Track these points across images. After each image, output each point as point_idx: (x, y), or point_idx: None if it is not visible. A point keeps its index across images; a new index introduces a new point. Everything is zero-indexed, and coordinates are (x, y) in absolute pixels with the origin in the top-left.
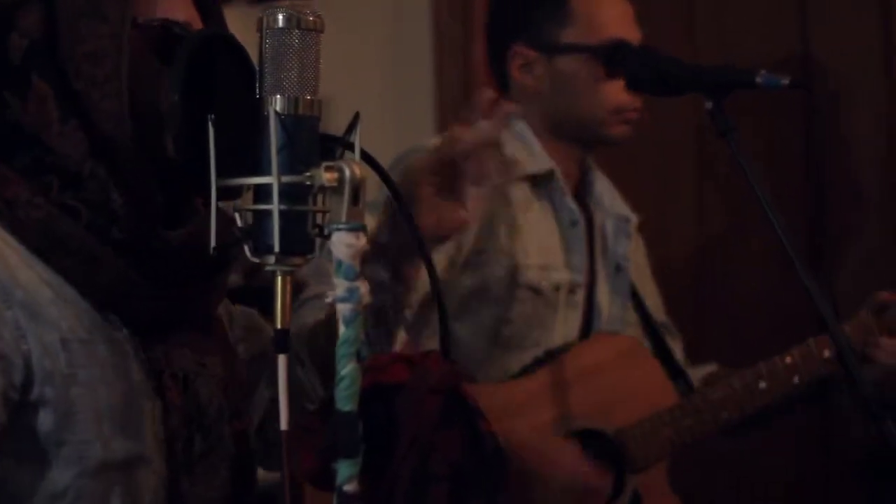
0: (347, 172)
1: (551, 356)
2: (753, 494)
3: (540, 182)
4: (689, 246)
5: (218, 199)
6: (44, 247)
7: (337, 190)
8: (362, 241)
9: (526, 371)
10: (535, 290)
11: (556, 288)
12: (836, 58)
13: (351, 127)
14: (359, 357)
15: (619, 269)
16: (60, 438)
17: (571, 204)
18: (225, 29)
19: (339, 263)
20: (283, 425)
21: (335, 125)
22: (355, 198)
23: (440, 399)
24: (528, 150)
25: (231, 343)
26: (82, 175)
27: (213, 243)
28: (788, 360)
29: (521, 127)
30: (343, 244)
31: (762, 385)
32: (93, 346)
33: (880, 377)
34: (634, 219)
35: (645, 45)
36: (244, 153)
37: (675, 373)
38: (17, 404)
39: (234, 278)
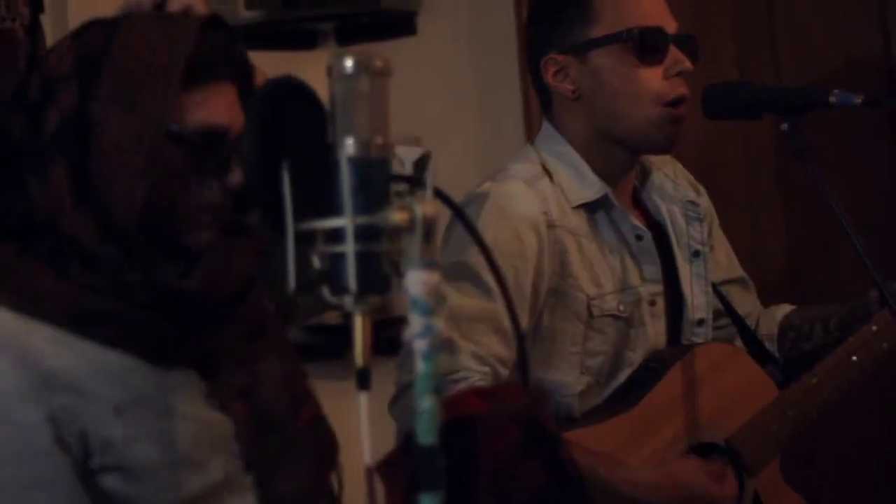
0: (418, 212)
1: (648, 376)
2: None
3: (598, 207)
4: (778, 261)
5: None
6: (79, 324)
7: (410, 229)
8: (436, 277)
9: (626, 394)
10: (615, 317)
11: (636, 306)
12: None
13: (423, 165)
14: (437, 392)
15: (696, 254)
16: (131, 494)
17: (634, 220)
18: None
19: (415, 301)
20: (367, 461)
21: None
22: (427, 236)
23: (520, 428)
24: (578, 176)
25: (282, 333)
26: (99, 257)
27: (291, 286)
28: (874, 328)
29: (569, 151)
30: (418, 281)
31: (854, 359)
32: (147, 403)
33: None
34: (703, 201)
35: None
36: (318, 197)
37: (765, 358)
38: (84, 475)
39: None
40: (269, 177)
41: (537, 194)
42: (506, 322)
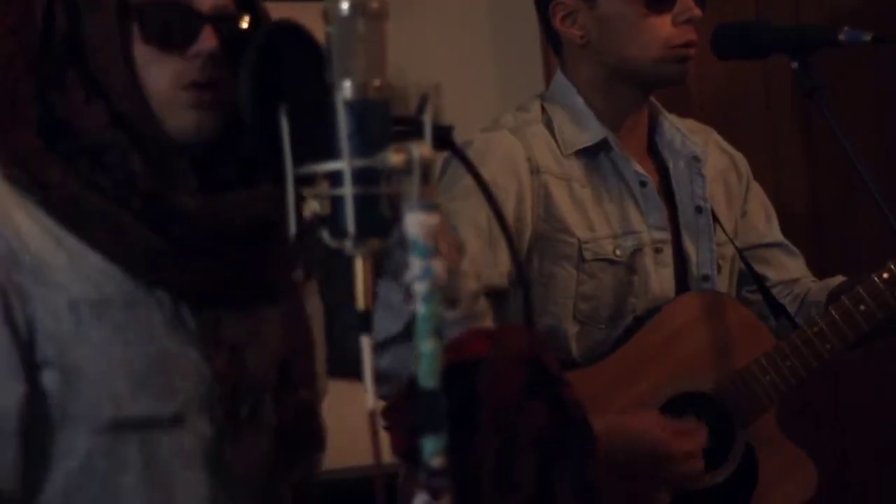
0: (416, 153)
1: (640, 321)
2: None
3: (600, 152)
4: (802, 205)
5: (295, 186)
6: (74, 220)
7: (407, 171)
8: (435, 219)
9: (618, 344)
10: (609, 261)
11: (636, 252)
12: None
13: (421, 108)
14: (438, 334)
15: (698, 210)
16: (67, 397)
17: (635, 166)
18: (259, 5)
19: (415, 242)
20: (370, 406)
21: (445, 112)
22: (426, 177)
23: (523, 370)
24: (578, 122)
25: (304, 313)
26: (104, 143)
27: (292, 231)
28: (886, 275)
29: (574, 99)
30: (417, 223)
31: (862, 307)
32: (108, 308)
33: None
34: (704, 156)
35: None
36: (318, 140)
37: (776, 310)
38: (27, 365)
39: None
40: (268, 120)
41: (522, 141)
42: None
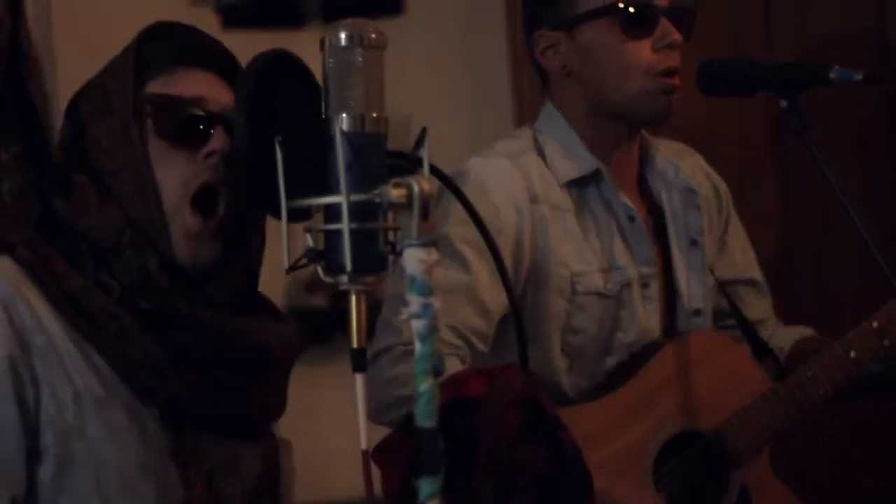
0: (416, 188)
1: (636, 358)
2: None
3: (589, 183)
4: (774, 243)
5: (289, 220)
6: (77, 318)
7: (407, 206)
8: (434, 256)
9: (616, 376)
10: (599, 295)
11: (624, 287)
12: None
13: (419, 142)
14: (436, 373)
15: (693, 243)
16: (59, 488)
17: (624, 199)
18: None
19: (413, 279)
20: (363, 445)
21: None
22: (425, 213)
23: (520, 411)
24: (569, 152)
25: (277, 464)
26: (122, 244)
27: (286, 264)
28: (875, 324)
29: (564, 128)
30: (416, 260)
31: (853, 354)
32: (108, 407)
33: None
34: (701, 190)
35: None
36: (313, 173)
37: (761, 348)
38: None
39: (318, 301)
40: (262, 152)
41: (520, 169)
42: (482, 295)
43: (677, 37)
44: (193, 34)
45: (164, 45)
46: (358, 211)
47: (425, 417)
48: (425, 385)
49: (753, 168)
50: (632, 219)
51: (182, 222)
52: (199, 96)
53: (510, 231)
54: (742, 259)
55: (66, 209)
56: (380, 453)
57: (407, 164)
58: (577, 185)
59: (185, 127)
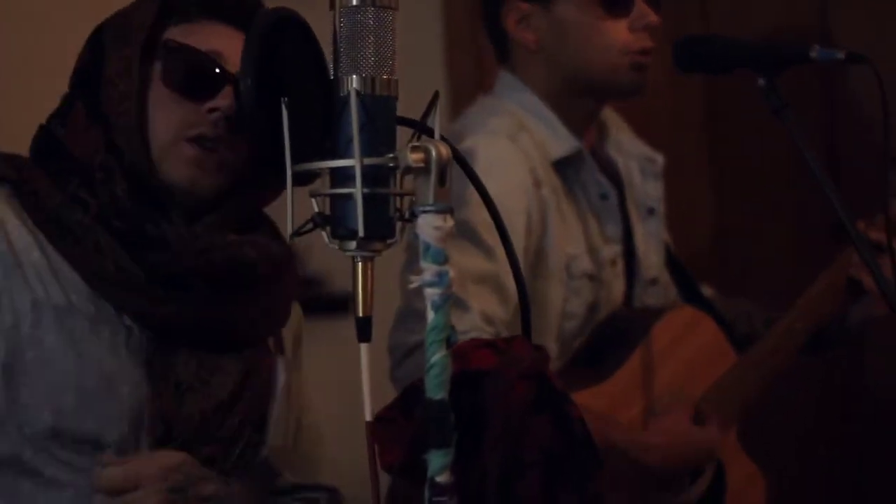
0: (434, 153)
1: (624, 339)
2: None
3: (569, 163)
4: (706, 233)
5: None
6: (56, 233)
7: (422, 171)
8: (450, 223)
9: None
10: (589, 277)
11: (602, 266)
12: (855, 33)
13: (429, 109)
14: (448, 343)
15: (651, 212)
16: (9, 399)
17: (600, 178)
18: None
19: (427, 247)
20: (367, 416)
21: None
22: (442, 179)
23: (530, 384)
24: (551, 130)
25: (267, 378)
26: (94, 165)
27: (290, 230)
28: (818, 288)
29: (537, 103)
30: (431, 226)
31: (798, 326)
32: (70, 316)
33: None
34: (660, 158)
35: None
36: (317, 136)
37: (721, 322)
38: None
39: None
40: (268, 113)
41: (522, 151)
42: (505, 282)
43: (654, 19)
44: None
45: None
46: (370, 175)
47: (437, 389)
48: (437, 356)
49: (686, 155)
50: (604, 196)
51: (179, 154)
52: (215, 51)
53: (522, 216)
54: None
55: (62, 132)
56: (379, 426)
57: (418, 130)
58: (561, 165)
59: (191, 79)
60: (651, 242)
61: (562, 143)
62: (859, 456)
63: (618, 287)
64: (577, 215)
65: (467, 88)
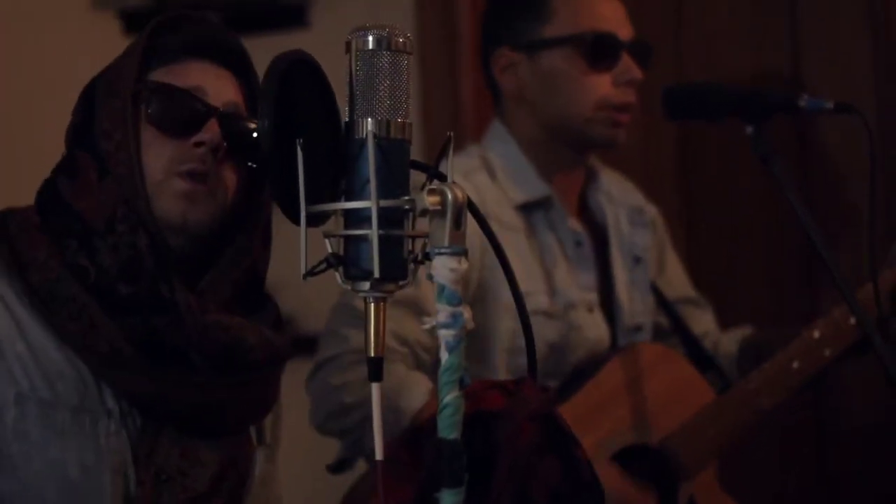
0: (450, 196)
1: (581, 373)
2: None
3: (537, 208)
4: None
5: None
6: (50, 307)
7: (437, 214)
8: (465, 265)
9: (562, 391)
10: (546, 315)
11: (569, 308)
12: (826, 79)
13: (442, 151)
14: (461, 384)
15: (637, 261)
16: None
17: (574, 225)
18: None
19: (443, 288)
20: (378, 455)
21: None
22: (458, 221)
23: (538, 426)
24: (521, 176)
25: (245, 468)
26: (116, 219)
27: (303, 269)
28: (816, 333)
29: (514, 150)
30: (446, 268)
31: (795, 365)
32: (54, 409)
33: None
34: (650, 210)
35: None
36: (329, 177)
37: (705, 361)
38: None
39: None
40: (285, 155)
41: (473, 187)
42: (425, 306)
43: (638, 74)
44: (206, 26)
45: (176, 35)
46: (385, 217)
47: (450, 429)
48: (450, 397)
49: (658, 190)
50: (578, 244)
51: (170, 188)
52: (196, 86)
53: (473, 247)
54: (678, 280)
55: (68, 187)
56: (387, 466)
57: (431, 175)
58: (526, 209)
59: (174, 115)
60: (636, 290)
61: (530, 188)
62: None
63: (596, 332)
64: (540, 256)
65: (443, 128)
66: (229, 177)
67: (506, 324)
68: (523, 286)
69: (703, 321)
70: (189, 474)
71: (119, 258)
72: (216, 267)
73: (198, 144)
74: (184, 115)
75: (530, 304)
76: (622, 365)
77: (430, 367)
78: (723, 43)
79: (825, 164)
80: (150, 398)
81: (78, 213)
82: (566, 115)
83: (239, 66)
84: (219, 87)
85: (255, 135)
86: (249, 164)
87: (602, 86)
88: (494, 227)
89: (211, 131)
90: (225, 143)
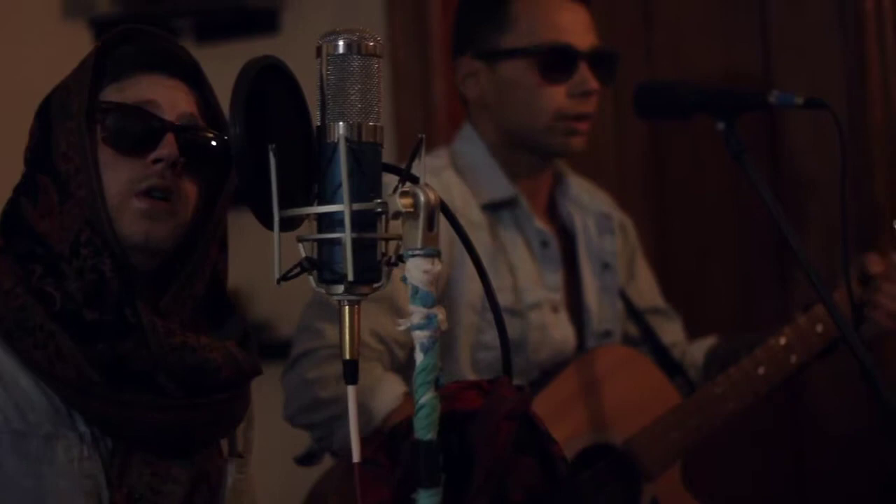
0: (422, 197)
1: (547, 375)
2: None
3: (503, 207)
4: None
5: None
6: (17, 336)
7: (410, 216)
8: (438, 266)
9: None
10: (511, 312)
11: (535, 307)
12: (797, 77)
13: (413, 154)
14: (437, 385)
15: (606, 266)
16: None
17: (539, 225)
18: (213, 96)
19: (416, 290)
20: (356, 458)
21: None
22: (430, 223)
23: (514, 425)
24: (488, 176)
25: (217, 483)
26: (80, 243)
27: (277, 274)
28: (783, 340)
29: (481, 151)
30: (419, 270)
31: (761, 371)
32: (26, 441)
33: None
34: (616, 215)
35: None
36: (301, 182)
37: (673, 369)
38: None
39: None
40: (256, 160)
41: (441, 185)
42: (401, 305)
43: (593, 85)
44: (156, 39)
45: (127, 49)
46: (357, 220)
47: (426, 430)
48: (426, 397)
49: (630, 198)
50: (545, 244)
51: (130, 209)
52: (150, 101)
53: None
54: (648, 290)
55: (31, 210)
56: (364, 467)
57: (403, 177)
58: (493, 208)
59: (130, 134)
60: (605, 296)
61: (496, 188)
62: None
63: (561, 333)
64: (503, 255)
65: (414, 132)
66: (189, 190)
67: (469, 319)
68: (510, 281)
69: (671, 331)
70: (161, 491)
71: (84, 283)
72: (177, 281)
73: (155, 161)
74: (139, 132)
75: (507, 299)
76: (587, 366)
77: (405, 365)
78: (693, 41)
79: (795, 164)
80: (119, 423)
81: (41, 237)
82: (523, 124)
83: (190, 76)
84: (172, 99)
85: (213, 143)
86: (207, 174)
87: (557, 97)
88: (465, 225)
89: (168, 147)
90: (182, 158)
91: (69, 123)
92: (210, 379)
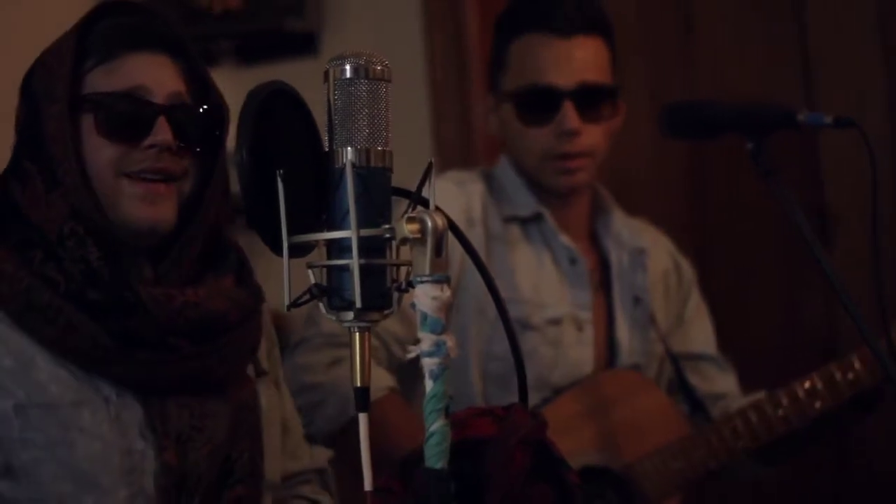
0: (430, 223)
1: (558, 392)
2: None
3: (531, 222)
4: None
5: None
6: (26, 316)
7: (418, 241)
8: (447, 293)
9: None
10: (524, 325)
11: (553, 323)
12: (838, 90)
13: (424, 178)
14: (447, 412)
15: (637, 301)
16: (15, 496)
17: (566, 242)
18: (214, 90)
19: (425, 317)
20: (367, 486)
21: None
22: (438, 249)
23: (529, 452)
24: (514, 194)
25: (254, 407)
26: (63, 235)
27: (287, 301)
28: (808, 384)
29: (509, 169)
30: (428, 296)
31: (780, 413)
32: (54, 412)
33: None
34: (649, 249)
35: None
36: (311, 208)
37: (695, 405)
38: None
39: None
40: (264, 187)
41: (464, 195)
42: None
43: (573, 124)
44: (140, 14)
45: (109, 27)
46: (366, 246)
47: (436, 458)
48: (436, 425)
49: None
50: (573, 261)
51: (125, 193)
52: (141, 85)
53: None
54: (700, 337)
55: (20, 194)
56: (377, 495)
57: (413, 201)
58: (522, 222)
59: (122, 123)
60: (636, 329)
61: (520, 205)
62: None
63: (577, 353)
64: (530, 269)
65: (454, 150)
66: (186, 166)
67: (478, 326)
68: (504, 293)
69: (722, 381)
70: (205, 428)
71: (76, 270)
72: (176, 247)
73: (150, 147)
74: (131, 121)
75: (512, 312)
76: (597, 386)
77: (404, 364)
78: (733, 55)
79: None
80: (141, 381)
81: (35, 226)
82: (521, 162)
83: (174, 48)
84: (160, 79)
85: (203, 115)
86: (202, 146)
87: (541, 138)
88: (478, 231)
89: (162, 132)
90: (177, 141)
91: (54, 108)
92: (218, 325)
